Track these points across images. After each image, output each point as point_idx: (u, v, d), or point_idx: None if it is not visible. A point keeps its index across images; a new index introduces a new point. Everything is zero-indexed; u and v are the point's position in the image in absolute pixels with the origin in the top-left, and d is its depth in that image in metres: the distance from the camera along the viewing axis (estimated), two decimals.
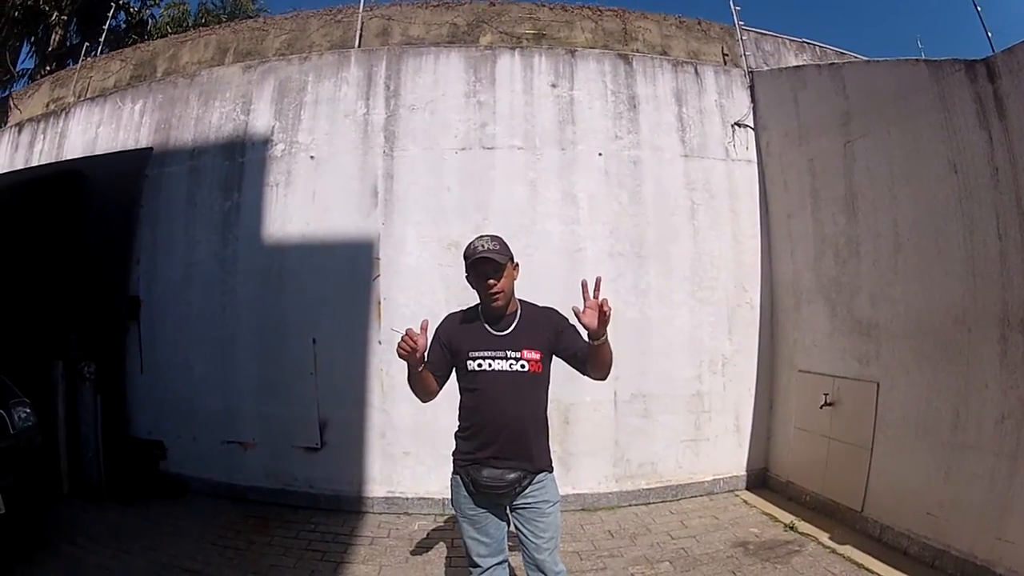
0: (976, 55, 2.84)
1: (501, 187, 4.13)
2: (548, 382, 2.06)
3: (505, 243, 2.01)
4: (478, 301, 2.05)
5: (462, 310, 2.11)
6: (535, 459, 1.98)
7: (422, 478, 3.94)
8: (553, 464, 2.06)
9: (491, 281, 1.95)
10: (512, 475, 1.94)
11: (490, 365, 1.96)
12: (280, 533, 3.57)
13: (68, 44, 9.04)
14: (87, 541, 3.25)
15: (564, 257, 4.08)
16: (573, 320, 1.99)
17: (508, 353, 1.96)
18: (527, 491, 1.97)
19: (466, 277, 2.02)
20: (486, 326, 2.01)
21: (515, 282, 2.03)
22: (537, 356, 1.98)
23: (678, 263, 4.25)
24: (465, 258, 1.99)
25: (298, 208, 4.21)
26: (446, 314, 2.14)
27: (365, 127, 4.23)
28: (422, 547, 3.41)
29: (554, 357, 2.06)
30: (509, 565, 2.11)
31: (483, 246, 1.96)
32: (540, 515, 1.98)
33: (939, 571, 2.85)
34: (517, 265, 2.05)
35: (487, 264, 1.94)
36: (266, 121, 4.41)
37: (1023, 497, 2.57)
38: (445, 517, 3.80)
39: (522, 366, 1.95)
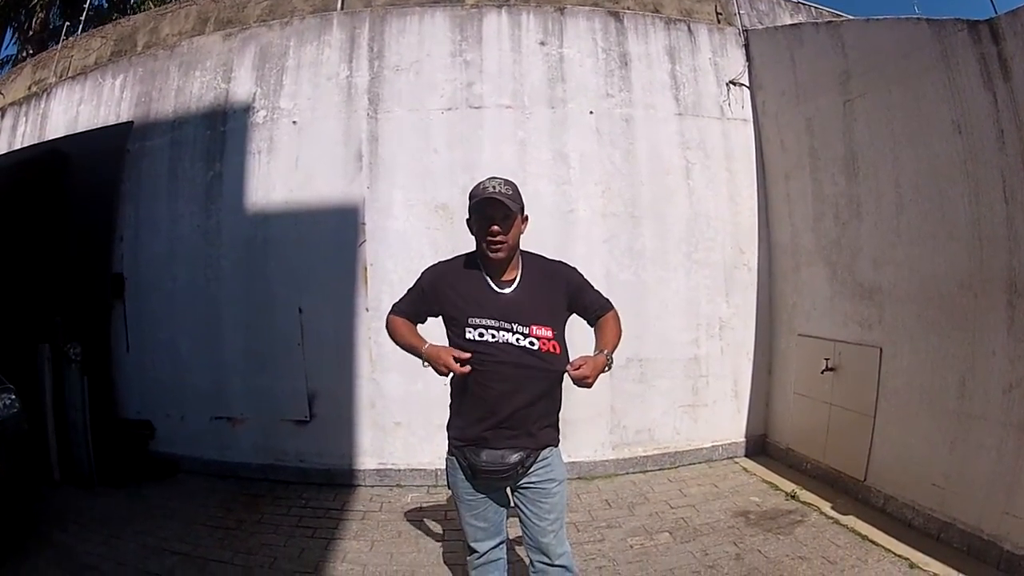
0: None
1: (490, 147, 4.02)
2: (566, 360, 1.77)
3: (518, 190, 1.79)
4: (475, 250, 1.81)
5: (458, 258, 1.86)
6: (537, 435, 1.78)
7: (414, 449, 3.86)
8: (559, 437, 1.87)
9: (495, 227, 1.70)
10: (514, 456, 1.74)
11: (493, 336, 1.72)
12: (271, 510, 3.51)
13: (51, 27, 8.92)
14: (78, 528, 3.20)
15: (556, 218, 3.97)
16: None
17: (515, 327, 1.72)
18: (531, 470, 1.78)
19: (467, 221, 1.79)
20: (487, 278, 1.78)
21: (521, 237, 1.80)
22: (549, 334, 1.74)
23: (673, 224, 4.15)
24: (470, 198, 1.74)
25: (281, 175, 4.11)
26: (434, 262, 1.92)
27: (349, 90, 4.11)
28: (415, 520, 3.34)
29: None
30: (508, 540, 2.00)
31: (493, 187, 1.72)
32: (545, 496, 1.81)
33: (944, 544, 2.78)
34: (527, 218, 1.83)
35: (495, 207, 1.70)
36: (247, 88, 4.29)
37: None
38: (438, 489, 3.74)
39: (531, 343, 1.71)
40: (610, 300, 1.95)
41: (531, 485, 1.81)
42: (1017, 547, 2.47)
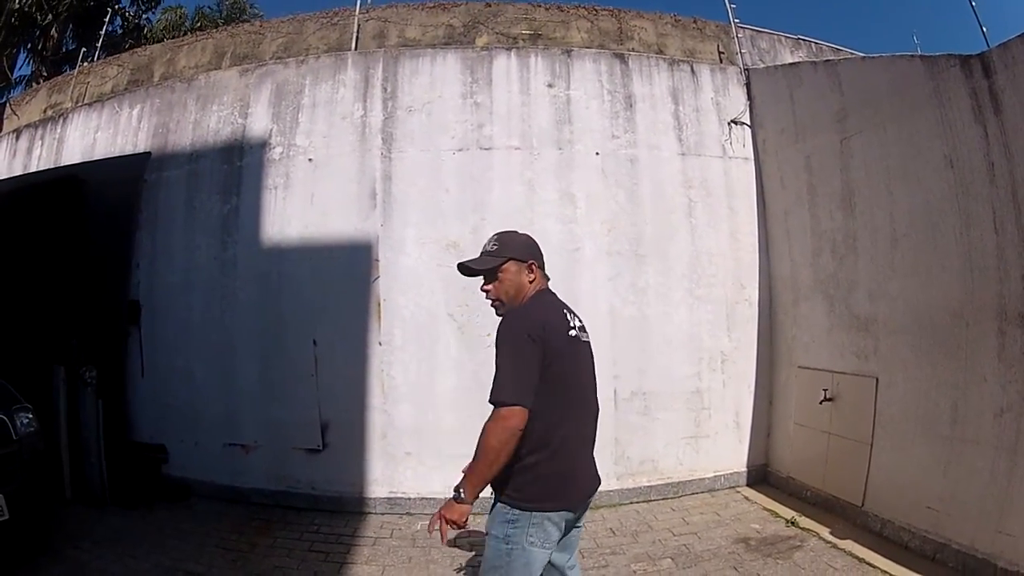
0: (971, 52, 2.86)
1: (499, 187, 4.13)
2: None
3: (508, 238, 1.89)
4: None
5: None
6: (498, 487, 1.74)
7: (424, 478, 3.94)
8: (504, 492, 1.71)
9: (482, 287, 1.88)
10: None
11: None
12: (283, 535, 3.57)
13: (65, 50, 9.04)
14: (91, 546, 3.26)
15: (562, 256, 4.07)
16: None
17: None
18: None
19: None
20: None
21: (527, 279, 1.82)
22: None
23: (676, 261, 4.26)
24: None
25: (297, 211, 4.22)
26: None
27: (363, 129, 4.23)
28: (425, 547, 3.40)
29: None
30: None
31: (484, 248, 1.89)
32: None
33: (940, 565, 2.86)
34: (525, 262, 1.83)
35: (468, 272, 1.89)
36: (264, 124, 4.41)
37: (1023, 491, 2.58)
38: None
39: None
40: (500, 390, 1.59)
41: None
42: (1011, 564, 2.55)
